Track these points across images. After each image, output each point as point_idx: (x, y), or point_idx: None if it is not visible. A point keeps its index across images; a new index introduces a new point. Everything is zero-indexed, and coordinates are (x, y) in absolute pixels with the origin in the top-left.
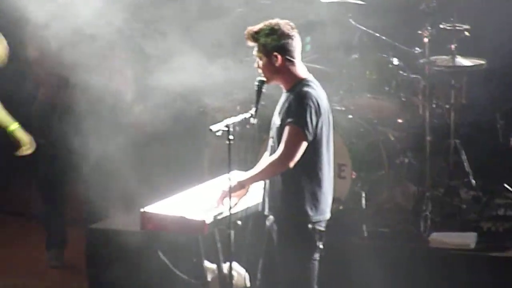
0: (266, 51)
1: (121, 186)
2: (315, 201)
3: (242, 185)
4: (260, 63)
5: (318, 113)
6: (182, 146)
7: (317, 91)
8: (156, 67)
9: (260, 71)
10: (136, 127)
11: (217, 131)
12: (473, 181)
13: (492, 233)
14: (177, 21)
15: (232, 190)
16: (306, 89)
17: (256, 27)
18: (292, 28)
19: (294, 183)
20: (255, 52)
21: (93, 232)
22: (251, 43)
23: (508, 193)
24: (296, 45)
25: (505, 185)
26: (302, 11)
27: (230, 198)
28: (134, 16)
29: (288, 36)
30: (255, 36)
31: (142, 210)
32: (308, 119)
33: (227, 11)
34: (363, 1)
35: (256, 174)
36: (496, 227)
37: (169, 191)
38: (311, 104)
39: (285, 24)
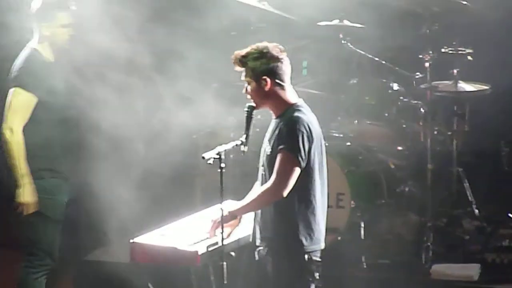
0: (255, 75)
1: (110, 216)
2: (310, 230)
3: (234, 216)
4: (249, 88)
5: (310, 139)
6: (173, 174)
7: (308, 116)
8: (149, 94)
9: (249, 96)
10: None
11: (209, 159)
12: (477, 211)
13: (497, 265)
14: (168, 46)
15: (223, 220)
16: (297, 114)
17: (243, 51)
18: (281, 51)
19: (287, 212)
20: (243, 77)
21: (82, 264)
22: (238, 68)
23: None
24: (286, 68)
25: (510, 215)
26: (299, 35)
27: (222, 228)
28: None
29: (278, 59)
30: (243, 60)
31: (131, 240)
32: (301, 145)
33: (220, 35)
34: (361, 24)
35: (248, 204)
36: (500, 258)
37: (161, 221)
38: (303, 129)
39: (274, 47)
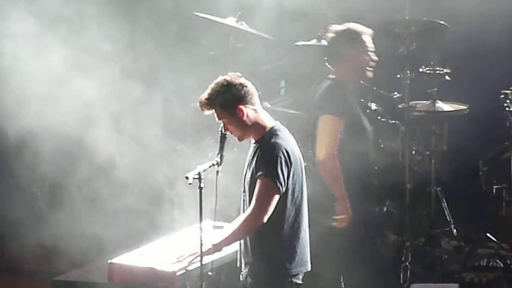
0: (228, 109)
1: (87, 236)
2: (293, 253)
3: (218, 249)
4: (227, 124)
5: (289, 163)
6: (152, 194)
7: (286, 140)
8: (129, 112)
9: (228, 133)
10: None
11: (188, 179)
12: (455, 230)
13: (475, 284)
14: (147, 65)
15: (206, 254)
16: (274, 140)
17: (205, 94)
18: (240, 77)
19: (267, 236)
20: (217, 119)
21: (57, 284)
22: (207, 112)
23: (491, 242)
24: (252, 91)
25: (488, 234)
26: (276, 54)
27: (201, 250)
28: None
29: (241, 85)
30: (208, 103)
31: (109, 261)
32: (279, 171)
33: (198, 55)
34: None
35: (231, 235)
36: (479, 278)
37: (138, 241)
38: (281, 155)
39: (232, 76)
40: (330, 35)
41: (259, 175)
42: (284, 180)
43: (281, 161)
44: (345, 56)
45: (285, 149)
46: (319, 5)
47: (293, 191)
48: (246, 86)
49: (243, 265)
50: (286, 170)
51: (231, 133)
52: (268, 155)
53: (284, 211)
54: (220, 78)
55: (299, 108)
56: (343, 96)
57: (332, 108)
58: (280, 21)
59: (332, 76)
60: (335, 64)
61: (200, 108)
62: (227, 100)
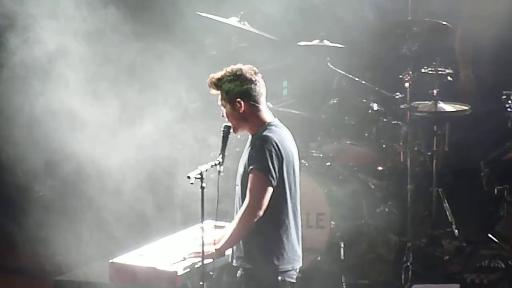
0: (229, 98)
1: (90, 235)
2: (282, 250)
3: (221, 253)
4: (225, 111)
5: (280, 157)
6: (154, 194)
7: (279, 134)
8: (129, 114)
9: (226, 119)
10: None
11: (190, 179)
12: (456, 231)
13: (476, 285)
14: (148, 66)
15: (210, 257)
16: (266, 133)
17: (218, 74)
18: (255, 73)
19: (258, 231)
20: (219, 100)
21: (59, 284)
22: (214, 91)
23: (493, 243)
24: (260, 90)
25: (490, 235)
26: (279, 55)
27: (203, 250)
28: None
29: (251, 81)
30: (217, 84)
31: (111, 261)
32: (270, 164)
33: (200, 54)
34: (342, 45)
35: (231, 236)
36: (480, 279)
37: (140, 241)
38: (271, 148)
39: (248, 69)
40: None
41: (251, 169)
42: (275, 173)
43: (271, 154)
44: None
45: (276, 143)
46: (321, 5)
47: (284, 186)
48: (255, 84)
49: (234, 260)
50: (277, 163)
51: (227, 120)
52: (258, 148)
53: (274, 206)
54: (237, 66)
55: (301, 108)
56: None
57: None
58: (282, 21)
59: None
60: None
61: (208, 85)
62: (231, 89)
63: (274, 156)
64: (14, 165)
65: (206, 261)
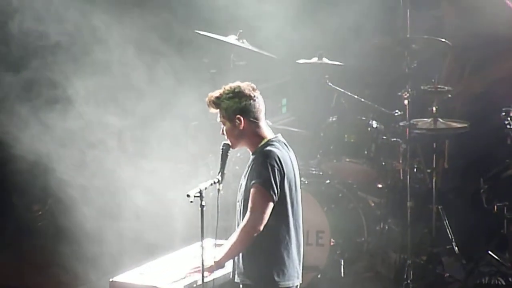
0: (229, 115)
1: (88, 254)
2: (282, 266)
3: (220, 265)
4: (225, 128)
5: (282, 173)
6: (153, 212)
7: (281, 151)
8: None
9: (225, 136)
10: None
11: (190, 197)
12: (456, 248)
13: None
14: (148, 84)
15: (209, 270)
16: (268, 148)
17: (216, 92)
18: (254, 90)
19: (259, 247)
20: (218, 118)
21: None
22: (213, 110)
23: (493, 260)
24: (259, 106)
25: (490, 252)
26: (278, 73)
27: (202, 269)
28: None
29: (250, 98)
30: (216, 102)
31: (111, 279)
32: (272, 179)
33: (199, 73)
34: (340, 62)
35: (230, 249)
36: None
37: (140, 260)
38: (274, 163)
39: (246, 86)
40: None
41: (253, 184)
42: (277, 188)
43: (273, 169)
44: None
45: (278, 158)
46: (320, 23)
47: (285, 202)
48: (254, 100)
49: (236, 275)
50: (279, 178)
51: (227, 137)
52: (261, 163)
53: (275, 222)
54: (235, 84)
55: (300, 126)
56: None
57: None
58: (281, 39)
59: None
60: None
61: (207, 104)
62: (230, 106)
63: (276, 171)
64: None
65: (206, 279)
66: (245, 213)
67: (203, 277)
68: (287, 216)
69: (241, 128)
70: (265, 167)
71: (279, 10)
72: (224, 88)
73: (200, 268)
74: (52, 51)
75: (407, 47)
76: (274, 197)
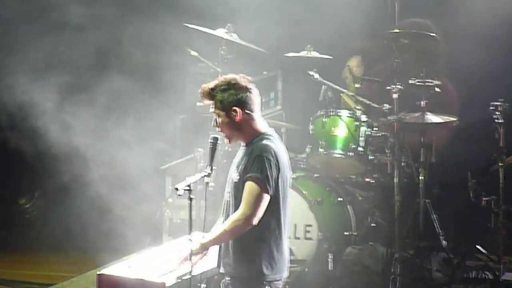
0: (224, 107)
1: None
2: (271, 259)
3: (205, 248)
4: (219, 120)
5: (278, 168)
6: (142, 205)
7: (277, 145)
8: (117, 128)
9: (218, 129)
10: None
11: (178, 190)
12: (444, 242)
13: None
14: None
15: (194, 253)
16: (265, 142)
17: (211, 84)
18: (249, 82)
19: (248, 239)
20: (212, 109)
21: None
22: (207, 101)
23: (480, 254)
24: (255, 98)
25: (477, 246)
26: (266, 66)
27: (191, 260)
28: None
29: (246, 89)
30: (211, 93)
31: (98, 272)
32: (269, 173)
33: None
34: (329, 56)
35: (219, 235)
36: None
37: (128, 252)
38: (271, 158)
39: (241, 78)
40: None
41: (249, 177)
42: (272, 182)
43: (270, 163)
44: None
45: (274, 152)
46: (308, 17)
47: (278, 197)
48: (251, 92)
49: (221, 266)
50: (275, 172)
51: (220, 130)
52: (258, 157)
53: (268, 216)
54: (231, 76)
55: (288, 120)
56: None
57: None
58: (270, 33)
59: None
60: None
61: (201, 96)
62: (226, 98)
63: (273, 165)
64: None
65: (195, 273)
66: (237, 205)
67: (191, 270)
68: (279, 210)
69: (237, 120)
70: (262, 161)
71: (267, 3)
72: (219, 80)
73: (186, 257)
74: None
75: (395, 41)
76: (270, 191)
